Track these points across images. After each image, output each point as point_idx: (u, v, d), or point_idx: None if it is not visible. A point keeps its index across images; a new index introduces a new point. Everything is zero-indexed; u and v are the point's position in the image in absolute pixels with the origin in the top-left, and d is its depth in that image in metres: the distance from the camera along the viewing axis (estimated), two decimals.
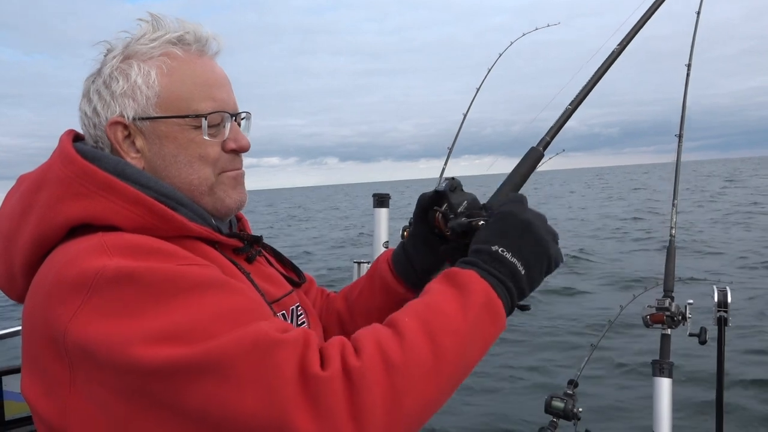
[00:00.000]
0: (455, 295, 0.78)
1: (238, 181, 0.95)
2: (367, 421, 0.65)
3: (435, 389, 0.71)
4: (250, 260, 0.97)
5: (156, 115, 0.88)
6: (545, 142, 1.09)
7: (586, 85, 1.16)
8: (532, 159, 1.07)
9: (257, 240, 1.01)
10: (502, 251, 0.83)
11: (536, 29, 3.47)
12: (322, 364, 0.67)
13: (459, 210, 0.97)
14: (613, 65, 1.20)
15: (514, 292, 0.83)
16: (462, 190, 0.99)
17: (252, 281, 0.91)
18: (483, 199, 1.00)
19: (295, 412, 0.63)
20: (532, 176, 1.07)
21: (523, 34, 3.47)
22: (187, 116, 0.88)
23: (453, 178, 1.00)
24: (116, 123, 0.88)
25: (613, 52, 1.21)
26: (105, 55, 0.90)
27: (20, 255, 0.83)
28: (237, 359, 0.65)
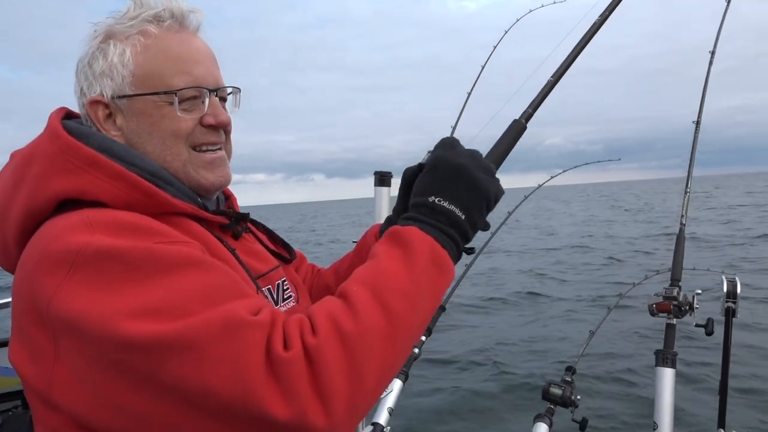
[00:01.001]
0: (400, 255, 0.79)
1: (216, 164, 0.95)
2: (331, 395, 0.67)
3: (392, 351, 0.73)
4: (236, 236, 0.99)
5: (131, 93, 0.90)
6: (527, 114, 1.08)
7: (567, 57, 1.15)
8: (514, 131, 1.05)
9: (244, 217, 1.02)
10: (439, 201, 0.84)
11: (542, 6, 3.39)
12: (285, 344, 0.69)
13: None
14: (594, 37, 1.20)
15: (458, 239, 0.84)
16: None
17: (237, 257, 0.92)
18: None
19: (262, 392, 0.66)
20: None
21: (530, 11, 3.38)
22: (158, 93, 0.89)
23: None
24: (96, 102, 0.90)
25: (594, 23, 1.21)
26: (91, 37, 0.92)
27: (12, 228, 0.85)
28: (208, 339, 0.67)
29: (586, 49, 1.18)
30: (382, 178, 2.58)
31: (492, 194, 0.87)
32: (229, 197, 1.09)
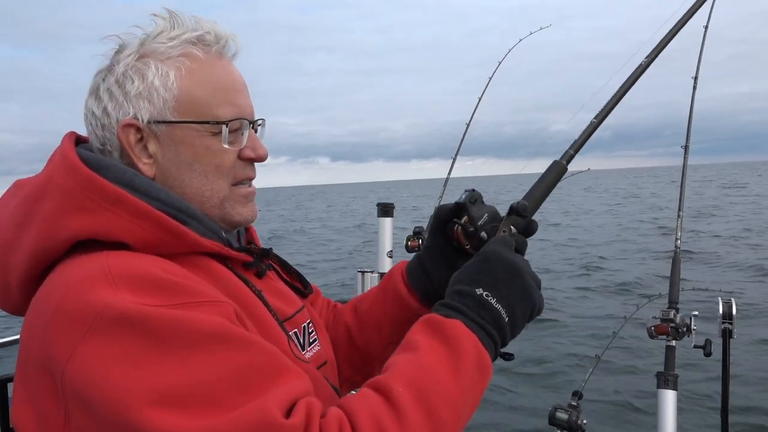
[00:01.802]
0: (446, 355, 0.74)
1: (249, 198, 0.91)
2: None
3: None
4: (260, 275, 0.93)
5: (173, 119, 0.83)
6: (569, 156, 1.06)
7: (611, 99, 1.13)
8: (555, 172, 1.04)
9: (267, 253, 0.97)
10: (486, 296, 0.79)
11: (530, 33, 3.55)
12: None
13: (479, 223, 0.94)
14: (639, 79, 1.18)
15: (498, 342, 0.80)
16: (482, 202, 0.97)
17: (264, 300, 0.87)
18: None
19: None
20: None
21: (520, 40, 3.55)
22: (207, 122, 0.84)
23: (473, 190, 0.97)
24: (129, 125, 0.83)
25: (640, 65, 1.19)
26: (117, 52, 0.85)
27: (18, 268, 0.79)
28: None
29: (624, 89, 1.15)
30: (385, 210, 2.64)
31: (537, 307, 0.83)
32: (248, 230, 1.03)
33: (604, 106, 1.13)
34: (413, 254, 1.14)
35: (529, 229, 0.96)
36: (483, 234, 0.93)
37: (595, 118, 1.11)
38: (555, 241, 15.21)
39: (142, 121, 0.83)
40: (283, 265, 1.07)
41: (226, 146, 0.85)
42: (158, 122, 0.83)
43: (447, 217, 1.00)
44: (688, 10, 1.26)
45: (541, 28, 3.62)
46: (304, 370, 0.79)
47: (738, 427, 4.35)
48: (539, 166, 1.08)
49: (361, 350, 1.09)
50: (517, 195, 1.02)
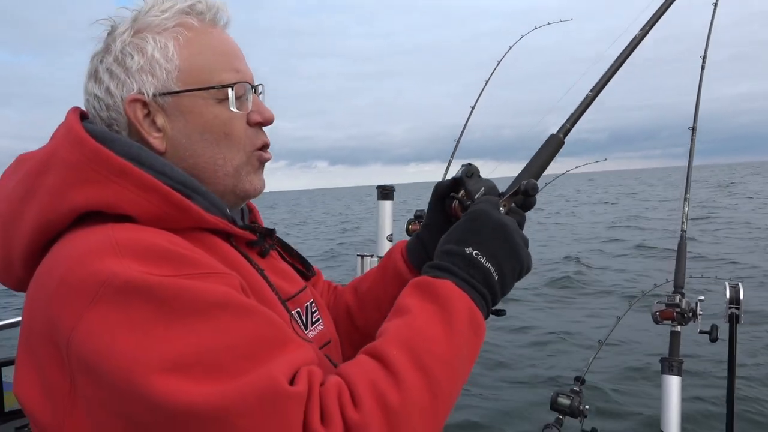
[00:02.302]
0: (439, 316, 0.74)
1: (262, 168, 0.91)
2: None
3: (433, 424, 0.70)
4: (263, 254, 0.92)
5: (178, 89, 0.82)
6: (565, 129, 1.05)
7: (607, 72, 1.12)
8: (552, 146, 1.03)
9: (270, 233, 0.96)
10: (476, 254, 0.79)
11: (548, 24, 3.45)
12: (323, 419, 0.64)
13: (476, 197, 0.93)
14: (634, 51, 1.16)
15: (489, 299, 0.80)
16: (479, 176, 0.96)
17: (266, 278, 0.86)
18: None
19: None
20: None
21: (535, 27, 3.45)
22: (212, 87, 0.83)
23: (470, 164, 0.96)
24: (135, 100, 0.81)
25: (635, 37, 1.18)
26: (110, 33, 0.84)
27: (21, 242, 0.78)
28: (242, 412, 0.61)
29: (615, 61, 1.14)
30: (385, 192, 2.62)
31: (526, 266, 0.84)
32: (252, 210, 1.03)
33: (600, 79, 1.11)
34: (395, 243, 1.13)
35: (527, 203, 0.95)
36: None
37: (591, 90, 1.10)
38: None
39: (147, 95, 0.82)
40: (285, 247, 1.07)
41: (234, 110, 0.85)
42: (164, 94, 0.82)
43: (444, 193, 0.99)
44: None
45: (561, 21, 3.54)
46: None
47: (743, 415, 4.33)
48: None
49: (361, 329, 1.09)
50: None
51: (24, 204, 0.77)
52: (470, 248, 0.80)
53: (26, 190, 0.77)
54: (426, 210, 1.03)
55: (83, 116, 0.85)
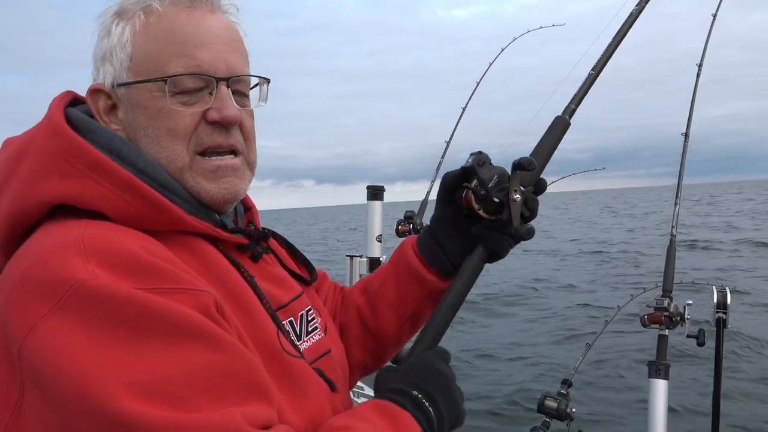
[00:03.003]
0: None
1: (220, 173, 0.80)
2: None
3: None
4: (255, 259, 0.86)
5: (128, 80, 0.77)
6: (570, 110, 1.04)
7: (605, 51, 1.11)
8: (558, 128, 1.02)
9: (264, 236, 0.90)
10: (421, 398, 0.79)
11: (541, 27, 3.46)
12: None
13: (490, 185, 0.90)
14: (628, 34, 1.16)
15: None
16: (491, 163, 0.93)
17: (254, 286, 0.81)
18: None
19: None
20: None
21: (528, 31, 3.46)
22: (150, 80, 0.76)
23: (480, 152, 0.92)
24: (96, 91, 0.78)
25: (631, 13, 1.17)
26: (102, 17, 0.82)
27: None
28: None
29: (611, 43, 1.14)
30: (375, 192, 2.60)
31: (461, 416, 0.85)
32: (249, 209, 0.96)
33: (599, 59, 1.10)
34: (403, 239, 1.09)
35: (539, 186, 0.95)
36: (495, 198, 0.90)
37: (592, 69, 1.10)
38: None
39: (107, 85, 0.79)
40: (289, 248, 1.01)
41: (172, 106, 0.77)
42: (120, 85, 0.78)
43: (454, 185, 0.97)
44: None
45: (554, 25, 3.56)
46: (292, 365, 0.78)
47: (729, 418, 4.36)
48: None
49: (373, 332, 1.05)
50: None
51: (2, 191, 0.74)
52: (416, 392, 0.80)
53: (4, 176, 0.74)
54: (415, 210, 1.01)
55: (78, 101, 0.82)
